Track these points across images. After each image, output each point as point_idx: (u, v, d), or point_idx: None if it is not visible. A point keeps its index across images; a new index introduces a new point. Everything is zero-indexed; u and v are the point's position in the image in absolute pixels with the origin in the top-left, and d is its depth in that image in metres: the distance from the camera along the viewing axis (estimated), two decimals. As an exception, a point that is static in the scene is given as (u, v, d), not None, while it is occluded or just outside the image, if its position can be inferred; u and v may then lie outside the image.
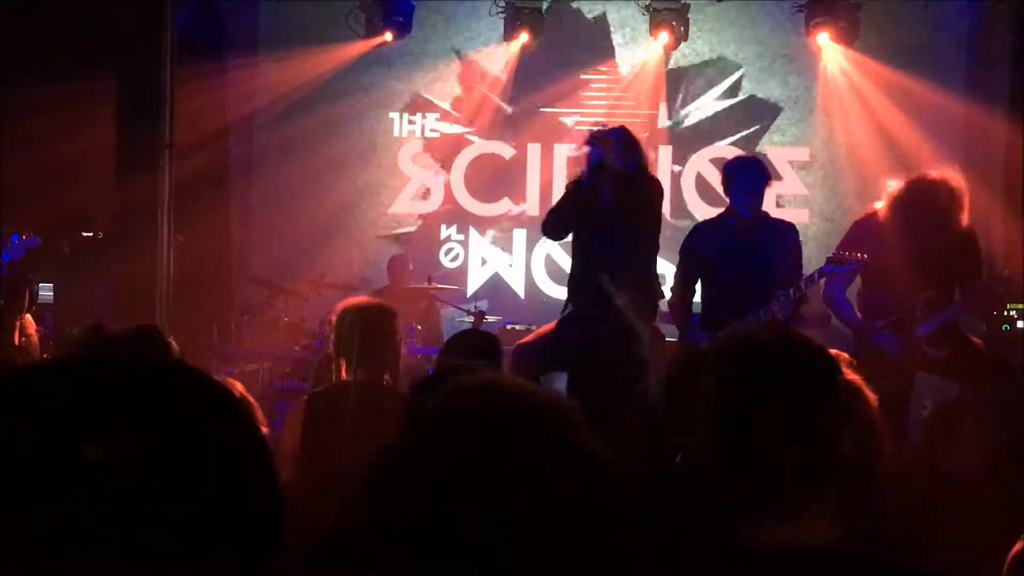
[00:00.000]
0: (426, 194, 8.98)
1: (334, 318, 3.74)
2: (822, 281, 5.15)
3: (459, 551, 1.07)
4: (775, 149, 8.53)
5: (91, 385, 0.85)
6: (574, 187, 5.09)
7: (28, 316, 6.69)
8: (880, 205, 5.26)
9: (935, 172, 5.10)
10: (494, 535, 1.07)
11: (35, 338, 6.77)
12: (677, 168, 8.74)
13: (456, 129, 8.95)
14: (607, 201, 4.92)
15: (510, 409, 1.15)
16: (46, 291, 7.42)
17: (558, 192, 8.47)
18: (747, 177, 5.05)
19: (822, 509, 1.57)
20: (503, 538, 1.07)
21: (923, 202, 4.98)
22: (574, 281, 5.16)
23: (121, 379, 0.86)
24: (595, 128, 5.17)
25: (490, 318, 7.66)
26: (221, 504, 0.84)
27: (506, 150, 8.94)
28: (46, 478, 0.79)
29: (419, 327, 7.28)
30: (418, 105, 8.95)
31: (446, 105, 8.95)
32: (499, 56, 8.81)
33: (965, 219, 5.01)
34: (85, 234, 7.74)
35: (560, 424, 1.14)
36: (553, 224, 5.16)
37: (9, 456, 0.80)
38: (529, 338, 5.41)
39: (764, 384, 1.62)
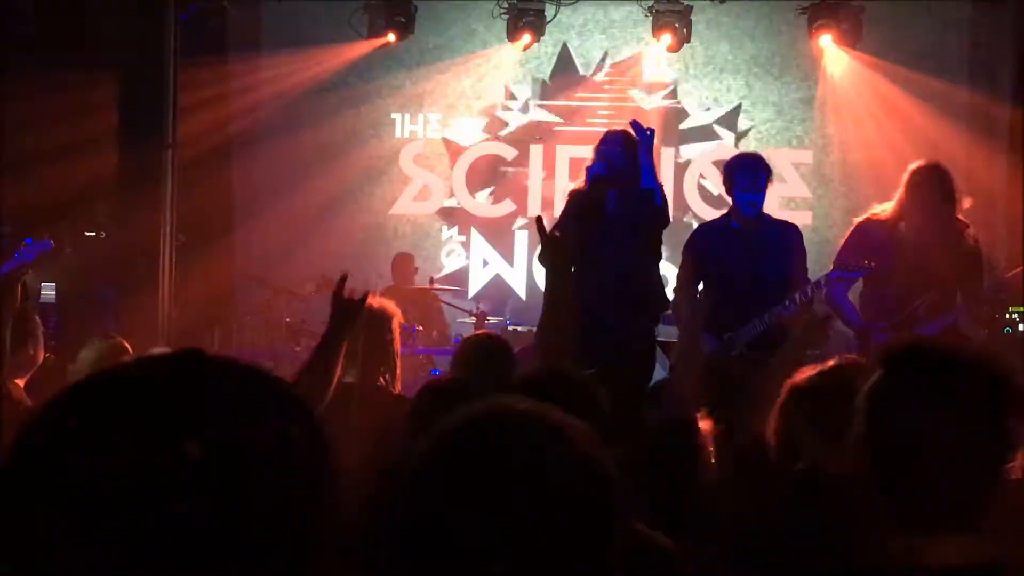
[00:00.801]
0: (428, 195, 8.98)
1: None
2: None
3: (461, 557, 1.08)
4: (778, 151, 8.52)
5: (182, 383, 0.85)
6: (575, 197, 5.08)
7: (37, 317, 6.67)
8: (882, 207, 5.27)
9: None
10: (496, 543, 1.07)
11: (40, 339, 6.75)
12: (681, 162, 8.75)
13: (459, 132, 8.95)
14: (611, 209, 4.92)
15: (518, 424, 1.16)
16: (48, 290, 7.43)
17: (560, 194, 8.52)
18: (748, 174, 5.04)
19: (985, 527, 1.52)
20: (505, 546, 1.07)
21: (935, 176, 5.08)
22: (578, 288, 5.13)
23: (206, 378, 0.86)
24: (605, 132, 5.18)
25: (491, 319, 7.66)
26: (293, 502, 0.84)
27: (508, 151, 8.94)
28: (144, 475, 0.79)
29: (420, 327, 7.28)
30: (420, 106, 8.95)
31: (449, 107, 8.95)
32: (502, 57, 8.81)
33: (966, 202, 5.14)
34: (88, 234, 7.75)
35: (565, 437, 1.15)
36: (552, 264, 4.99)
37: (107, 455, 0.80)
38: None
39: (946, 394, 1.54)
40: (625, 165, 4.96)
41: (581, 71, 8.87)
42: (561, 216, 5.20)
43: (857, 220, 5.46)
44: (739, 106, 8.79)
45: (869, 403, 1.59)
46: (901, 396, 1.57)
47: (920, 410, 1.54)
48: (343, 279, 3.05)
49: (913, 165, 5.24)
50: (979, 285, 5.23)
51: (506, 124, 8.94)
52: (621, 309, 4.89)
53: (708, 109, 8.83)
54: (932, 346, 1.66)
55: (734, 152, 8.18)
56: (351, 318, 2.99)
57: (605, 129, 5.58)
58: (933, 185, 5.08)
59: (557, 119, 8.87)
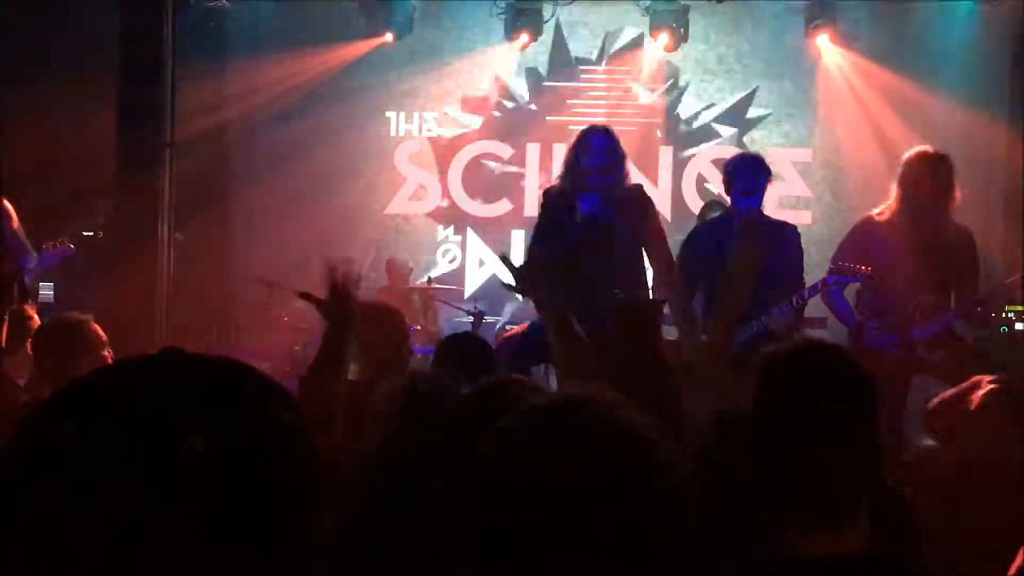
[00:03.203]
0: (423, 194, 8.99)
1: None
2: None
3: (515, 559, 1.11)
4: (777, 150, 8.53)
5: (179, 381, 0.86)
6: (548, 199, 5.01)
7: (36, 317, 6.67)
8: (881, 208, 5.28)
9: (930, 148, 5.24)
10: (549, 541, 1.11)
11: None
12: (680, 161, 8.77)
13: (455, 131, 8.97)
14: (585, 208, 4.83)
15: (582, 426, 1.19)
16: (46, 290, 7.42)
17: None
18: (748, 176, 5.02)
19: (858, 519, 1.59)
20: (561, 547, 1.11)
21: (927, 168, 5.06)
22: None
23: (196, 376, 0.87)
24: (584, 129, 5.10)
25: (489, 319, 7.67)
26: (284, 497, 0.85)
27: (505, 150, 8.95)
28: (148, 471, 0.80)
29: (419, 327, 7.28)
30: (415, 105, 8.96)
31: (445, 106, 8.96)
32: (500, 57, 8.82)
33: (959, 193, 5.10)
34: (86, 233, 7.75)
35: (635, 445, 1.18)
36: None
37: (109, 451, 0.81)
38: (516, 330, 5.43)
39: (813, 397, 1.63)
40: (614, 163, 4.91)
41: (578, 70, 8.87)
42: (536, 227, 5.03)
43: (856, 222, 5.48)
44: (737, 105, 8.80)
45: (752, 414, 1.67)
46: (776, 407, 1.65)
47: (793, 420, 1.62)
48: (332, 269, 2.71)
49: (911, 153, 5.22)
50: (973, 290, 5.24)
51: (502, 123, 8.95)
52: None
53: (707, 108, 8.84)
54: (804, 355, 1.73)
55: (733, 151, 8.21)
56: (345, 308, 2.70)
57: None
58: (933, 178, 5.08)
59: (555, 118, 8.87)
